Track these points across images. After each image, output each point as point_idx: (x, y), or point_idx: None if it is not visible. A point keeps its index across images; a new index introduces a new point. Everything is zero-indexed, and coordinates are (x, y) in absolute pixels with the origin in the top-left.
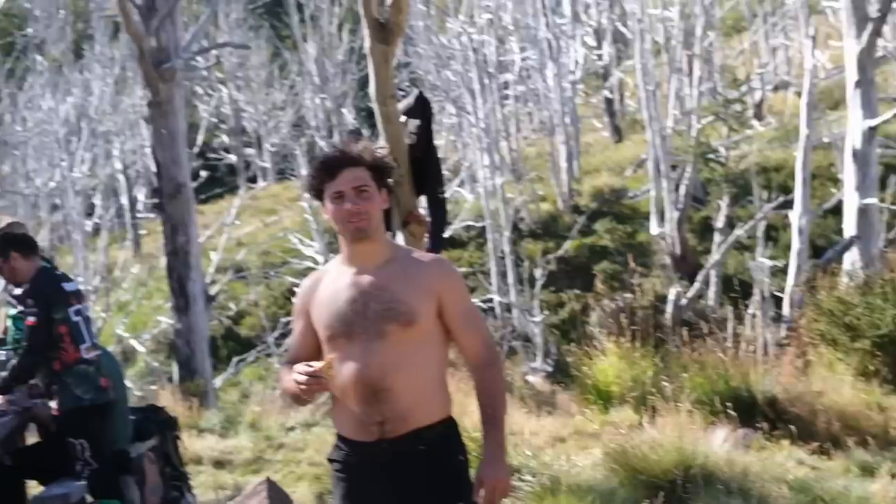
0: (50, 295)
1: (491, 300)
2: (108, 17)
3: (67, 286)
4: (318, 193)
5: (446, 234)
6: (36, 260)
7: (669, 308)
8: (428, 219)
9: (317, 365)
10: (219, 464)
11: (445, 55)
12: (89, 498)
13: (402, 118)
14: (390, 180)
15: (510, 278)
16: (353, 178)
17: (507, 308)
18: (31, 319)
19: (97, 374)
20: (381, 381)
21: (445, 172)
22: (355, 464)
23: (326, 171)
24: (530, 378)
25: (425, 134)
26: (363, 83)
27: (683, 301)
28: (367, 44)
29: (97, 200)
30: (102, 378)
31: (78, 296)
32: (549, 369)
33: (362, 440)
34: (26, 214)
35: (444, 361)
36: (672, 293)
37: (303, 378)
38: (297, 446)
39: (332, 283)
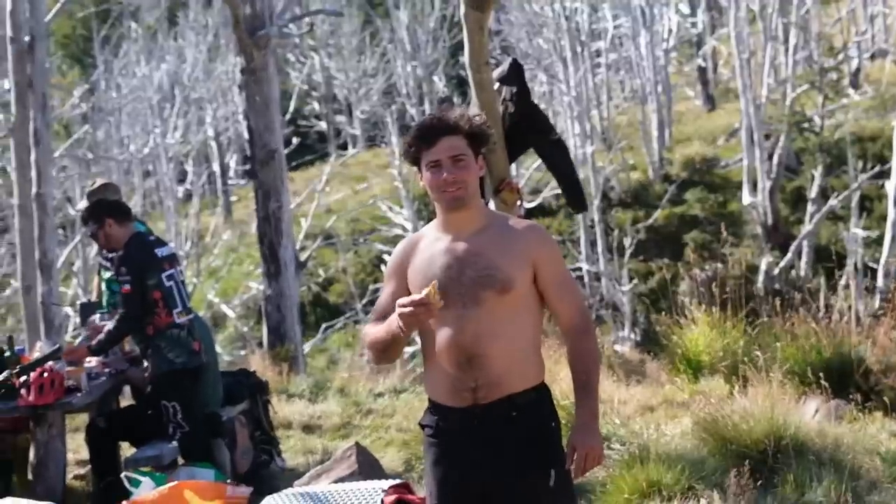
0: (143, 262)
1: (580, 269)
2: None
3: (161, 251)
4: (414, 161)
5: (536, 202)
6: (129, 226)
7: (761, 278)
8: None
9: (426, 291)
10: (308, 428)
11: (537, 23)
12: (181, 460)
13: (496, 85)
14: (486, 148)
15: (599, 247)
16: (450, 146)
17: (596, 277)
18: (126, 287)
19: (189, 337)
20: (475, 348)
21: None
22: (447, 429)
23: (423, 139)
24: (618, 347)
25: (523, 97)
26: (454, 51)
27: (775, 271)
28: (461, 11)
29: (189, 167)
30: (195, 342)
31: (171, 260)
32: (638, 338)
33: (455, 405)
34: (119, 180)
35: (539, 328)
36: (764, 263)
37: (408, 309)
38: (386, 412)
39: (427, 248)
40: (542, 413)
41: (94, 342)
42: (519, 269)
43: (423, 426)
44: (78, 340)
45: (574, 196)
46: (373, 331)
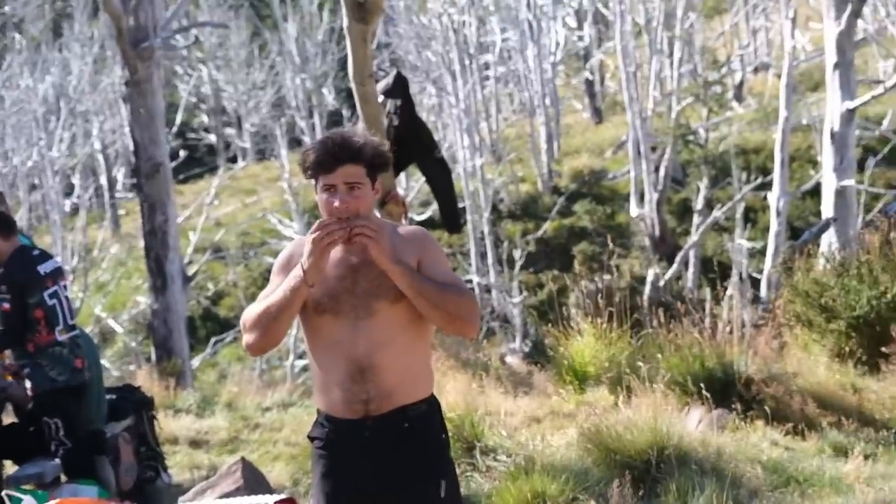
0: (24, 281)
1: (471, 281)
2: None
3: (44, 267)
4: (311, 175)
5: (426, 215)
6: (14, 240)
7: (647, 289)
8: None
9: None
10: (195, 443)
11: (426, 36)
12: (64, 477)
13: (381, 98)
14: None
15: (489, 259)
16: (348, 174)
17: (487, 289)
18: (4, 306)
19: (71, 355)
20: (368, 359)
21: None
22: (338, 441)
23: (323, 164)
24: (508, 359)
25: (407, 110)
26: (344, 63)
27: (661, 282)
28: (345, 23)
29: (76, 180)
30: (77, 359)
31: (55, 276)
32: (527, 350)
33: (347, 417)
34: (4, 193)
35: (429, 339)
36: (650, 274)
37: (320, 233)
38: (274, 426)
39: None
40: (433, 425)
41: None
42: None
43: (311, 438)
44: None
45: (450, 217)
46: (260, 304)
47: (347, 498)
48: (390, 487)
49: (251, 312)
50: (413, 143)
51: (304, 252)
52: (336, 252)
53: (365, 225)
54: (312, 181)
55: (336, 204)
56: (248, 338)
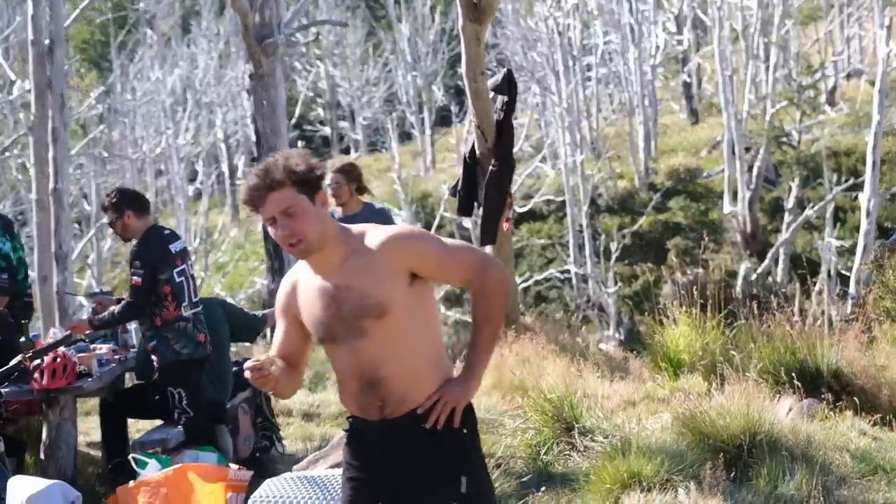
0: (157, 257)
1: (568, 271)
2: None
3: (174, 246)
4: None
5: (527, 207)
6: (147, 219)
7: (739, 283)
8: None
9: (262, 358)
10: (307, 416)
11: (532, 38)
12: (186, 444)
13: (491, 94)
14: (325, 183)
15: (587, 251)
16: (278, 201)
17: (584, 279)
18: (135, 279)
19: (195, 330)
20: (372, 374)
21: (528, 149)
22: (361, 437)
23: (251, 203)
24: (603, 346)
25: (509, 108)
26: (453, 62)
27: (753, 277)
28: (459, 23)
29: (199, 167)
30: (200, 334)
31: (183, 255)
32: (622, 338)
33: (366, 418)
34: (133, 179)
35: (434, 335)
36: (742, 269)
37: (249, 373)
38: None
39: (305, 288)
40: (450, 420)
41: (96, 317)
42: (391, 289)
43: (345, 429)
44: (83, 313)
45: (489, 228)
46: None
47: (369, 491)
48: (409, 486)
49: None
50: (502, 133)
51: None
52: (312, 283)
53: (443, 410)
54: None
55: (279, 232)
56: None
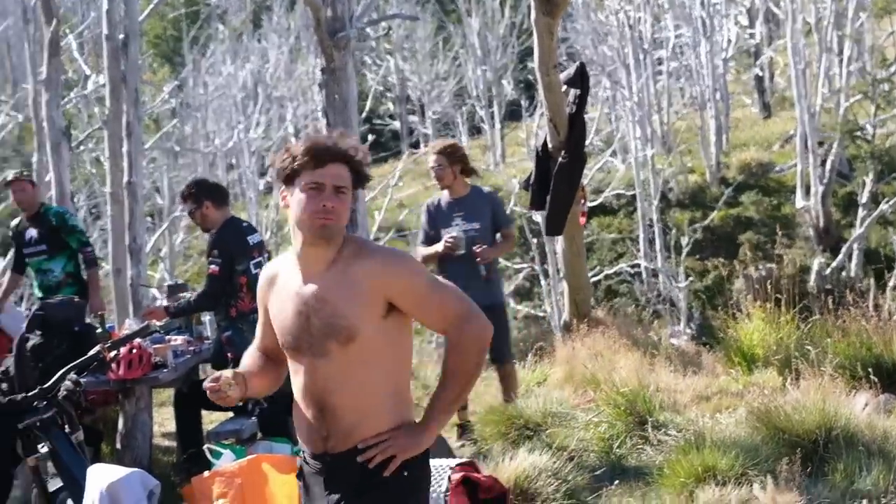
0: (235, 248)
1: (638, 265)
2: None
3: (252, 238)
4: (288, 177)
5: (597, 201)
6: (226, 210)
7: (812, 278)
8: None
9: (222, 377)
10: None
11: (602, 31)
12: (259, 434)
13: (563, 87)
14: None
15: (657, 245)
16: (337, 174)
17: (654, 273)
18: (213, 268)
19: None
20: (325, 399)
21: (599, 143)
22: (306, 469)
23: (314, 158)
24: (674, 340)
25: (581, 102)
26: (523, 56)
27: (826, 272)
28: (532, 16)
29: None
30: None
31: (260, 248)
32: (692, 332)
33: (310, 450)
34: (205, 172)
35: (401, 366)
36: (815, 264)
37: (208, 390)
38: None
39: (284, 284)
40: (389, 462)
41: (171, 305)
42: (364, 313)
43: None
44: (158, 302)
45: (555, 220)
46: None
47: None
48: None
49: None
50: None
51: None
52: (290, 283)
53: (382, 452)
54: (283, 186)
55: (324, 203)
56: None
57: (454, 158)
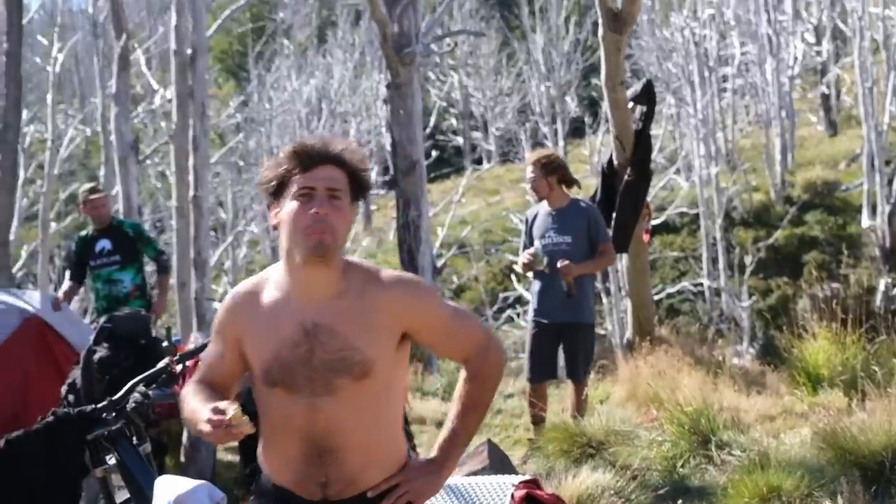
0: None
1: (701, 284)
2: (351, 5)
3: None
4: (277, 188)
5: (661, 219)
6: None
7: (879, 298)
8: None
9: (229, 412)
10: (441, 425)
11: (668, 48)
12: None
13: (629, 104)
14: (364, 196)
15: (721, 264)
16: (329, 177)
17: (717, 292)
18: None
19: None
20: (328, 442)
21: (662, 161)
22: None
23: (300, 161)
24: (736, 360)
25: (647, 119)
26: (586, 73)
27: (893, 292)
28: (600, 32)
29: None
30: None
31: None
32: (755, 352)
33: (300, 496)
34: None
35: (400, 404)
36: (882, 284)
37: (210, 429)
38: (514, 412)
39: (272, 309)
40: None
41: None
42: (380, 346)
43: (254, 494)
44: None
45: (622, 235)
46: (189, 403)
47: None
48: None
49: (184, 399)
50: (640, 143)
51: (203, 420)
52: (289, 306)
53: (399, 501)
54: (272, 203)
55: (314, 210)
56: None
57: (549, 169)
